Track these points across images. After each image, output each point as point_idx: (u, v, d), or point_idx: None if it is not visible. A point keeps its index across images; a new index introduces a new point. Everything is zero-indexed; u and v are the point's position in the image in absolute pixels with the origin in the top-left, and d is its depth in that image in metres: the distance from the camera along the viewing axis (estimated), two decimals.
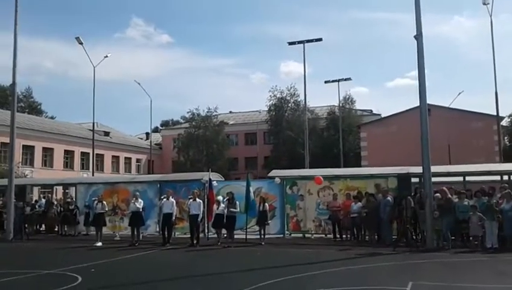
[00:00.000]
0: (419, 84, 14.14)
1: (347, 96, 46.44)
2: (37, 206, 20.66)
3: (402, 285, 8.13)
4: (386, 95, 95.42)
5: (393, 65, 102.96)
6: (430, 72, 61.49)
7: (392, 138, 33.89)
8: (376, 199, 15.24)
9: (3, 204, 19.26)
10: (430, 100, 15.58)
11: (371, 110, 51.48)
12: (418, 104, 14.52)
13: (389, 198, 14.73)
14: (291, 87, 48.36)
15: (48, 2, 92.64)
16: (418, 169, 14.46)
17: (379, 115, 46.74)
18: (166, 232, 15.60)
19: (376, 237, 15.29)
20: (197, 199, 15.61)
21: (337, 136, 39.14)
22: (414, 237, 14.54)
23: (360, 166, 33.08)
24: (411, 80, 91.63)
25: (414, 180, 15.85)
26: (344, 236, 16.14)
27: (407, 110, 35.62)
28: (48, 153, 39.39)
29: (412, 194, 14.97)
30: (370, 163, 33.07)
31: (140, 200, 16.17)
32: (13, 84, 19.66)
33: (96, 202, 16.85)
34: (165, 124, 74.75)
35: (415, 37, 14.25)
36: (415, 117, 16.12)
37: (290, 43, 30.69)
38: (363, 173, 18.14)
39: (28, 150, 36.98)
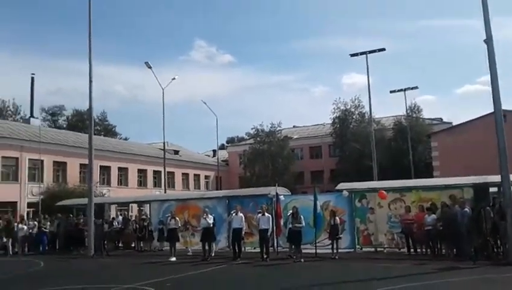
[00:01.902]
0: (493, 90, 13.45)
1: (413, 106, 44.99)
2: (114, 224, 21.72)
3: None
4: (454, 102, 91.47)
5: (462, 71, 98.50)
6: (503, 76, 58.12)
7: (465, 146, 32.19)
8: (452, 210, 14.59)
9: (84, 222, 20.40)
10: (505, 106, 14.76)
11: (441, 119, 49.46)
12: (491, 110, 13.84)
13: (466, 209, 14.04)
14: (355, 99, 47.71)
15: (114, 29, 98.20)
16: (496, 178, 13.71)
17: (450, 123, 44.72)
18: (236, 247, 15.83)
19: (454, 250, 14.60)
20: (266, 214, 15.75)
21: (406, 147, 37.91)
22: (495, 249, 13.74)
23: (432, 177, 31.68)
24: (482, 85, 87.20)
25: (492, 189, 15.02)
26: (419, 250, 15.57)
27: (480, 117, 33.77)
28: (122, 172, 41.36)
29: (491, 204, 14.18)
30: (442, 173, 31.60)
31: (210, 215, 16.54)
32: (90, 108, 20.91)
33: (169, 218, 17.45)
34: (231, 140, 76.17)
35: (484, 41, 13.65)
36: (489, 124, 15.32)
37: (352, 55, 30.27)
38: (436, 184, 17.43)
39: (105, 170, 39.02)
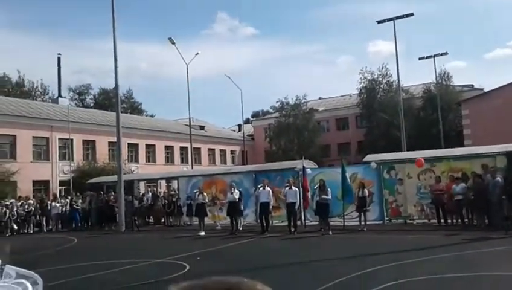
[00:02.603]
0: None
1: (443, 72, 43.57)
2: (144, 200, 22.10)
3: None
4: (485, 68, 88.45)
5: (492, 35, 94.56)
6: None
7: (498, 113, 31.13)
8: (483, 179, 14.23)
9: (115, 199, 20.84)
10: None
11: (472, 85, 47.83)
12: None
13: (498, 178, 13.68)
14: (382, 68, 46.40)
15: (137, 6, 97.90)
16: None
17: (481, 89, 43.23)
18: (264, 221, 15.91)
19: (486, 220, 14.29)
20: (293, 187, 15.72)
21: (436, 115, 36.99)
22: None
23: (463, 146, 30.92)
24: None
25: None
26: (449, 220, 15.31)
27: None
28: (150, 149, 41.82)
29: None
30: (474, 142, 30.75)
31: (237, 190, 16.63)
32: (116, 87, 21.08)
33: (197, 193, 17.64)
34: (256, 114, 75.97)
35: None
36: None
37: (379, 22, 29.43)
38: (468, 153, 16.98)
39: (133, 148, 39.52)
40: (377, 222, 16.45)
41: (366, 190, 15.66)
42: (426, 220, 16.19)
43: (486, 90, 40.09)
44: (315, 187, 15.81)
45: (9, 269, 1.33)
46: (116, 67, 20.25)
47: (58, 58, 49.37)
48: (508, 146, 15.12)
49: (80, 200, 22.59)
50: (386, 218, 16.68)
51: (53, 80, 51.39)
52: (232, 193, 16.42)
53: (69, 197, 23.22)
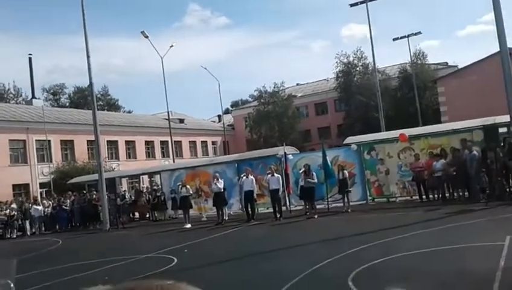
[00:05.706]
0: (497, 28, 13.11)
1: (417, 52, 44.11)
2: (127, 196, 21.92)
3: (499, 240, 7.76)
4: (458, 45, 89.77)
5: (463, 12, 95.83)
6: (508, 14, 56.49)
7: (473, 89, 31.61)
8: (461, 154, 14.53)
9: (98, 198, 20.62)
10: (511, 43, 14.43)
11: (446, 63, 48.51)
12: (497, 49, 13.51)
13: (475, 152, 13.97)
14: (357, 51, 46.84)
15: (106, 1, 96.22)
16: (506, 118, 13.52)
17: (455, 66, 43.89)
18: (249, 209, 15.98)
19: (466, 193, 14.61)
20: (275, 174, 15.78)
21: (412, 95, 37.47)
22: (507, 190, 13.72)
23: (440, 122, 31.38)
24: (485, 25, 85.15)
25: (502, 130, 14.86)
26: (431, 196, 15.61)
27: (486, 57, 33.10)
28: (130, 145, 41.41)
29: (502, 144, 14.07)
30: (451, 118, 31.18)
31: (221, 180, 16.63)
32: (90, 84, 20.70)
33: (180, 186, 17.59)
34: (235, 104, 75.77)
35: None
36: (496, 63, 15.00)
37: (352, 5, 29.52)
38: (445, 129, 17.28)
39: (112, 145, 39.06)
40: (360, 202, 16.67)
41: (346, 172, 15.81)
42: (408, 197, 16.48)
43: (460, 67, 40.71)
44: (300, 171, 15.88)
45: None
46: (89, 64, 19.89)
47: (30, 59, 48.32)
48: (484, 120, 15.41)
49: (68, 201, 22.27)
50: (369, 197, 16.90)
51: (25, 81, 50.21)
52: (215, 184, 16.41)
53: (53, 199, 22.87)
